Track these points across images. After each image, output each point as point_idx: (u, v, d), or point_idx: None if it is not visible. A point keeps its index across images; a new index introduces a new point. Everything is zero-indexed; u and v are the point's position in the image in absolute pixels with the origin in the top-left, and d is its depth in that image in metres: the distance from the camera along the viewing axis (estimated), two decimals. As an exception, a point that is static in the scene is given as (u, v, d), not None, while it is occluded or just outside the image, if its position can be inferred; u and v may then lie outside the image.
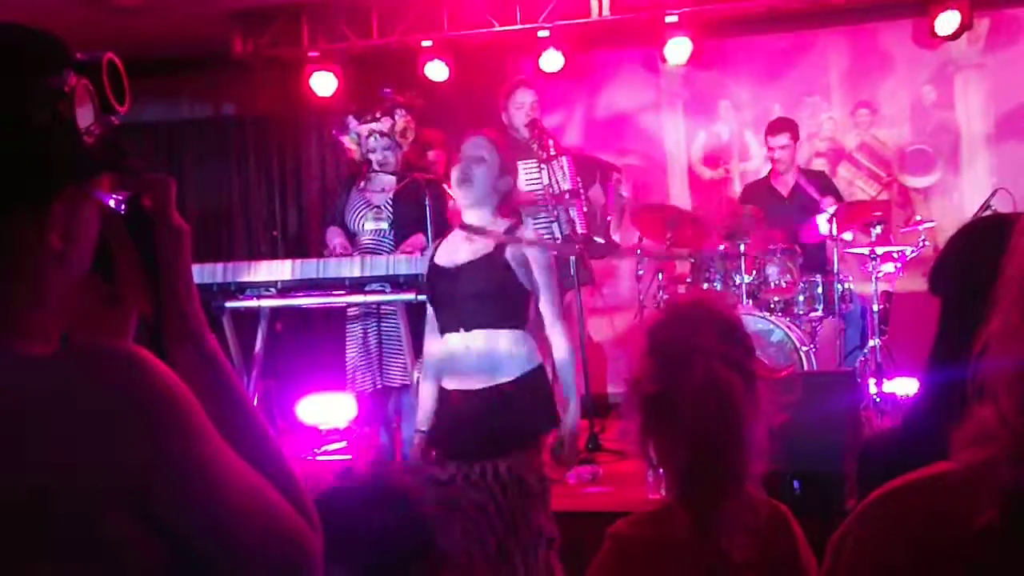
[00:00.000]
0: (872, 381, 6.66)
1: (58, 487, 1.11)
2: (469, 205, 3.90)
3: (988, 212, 6.98)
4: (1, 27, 1.25)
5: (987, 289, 1.05)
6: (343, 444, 7.09)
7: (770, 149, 7.39)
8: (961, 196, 8.29)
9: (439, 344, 3.91)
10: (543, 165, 6.38)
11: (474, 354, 3.77)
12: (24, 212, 1.20)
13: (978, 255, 1.59)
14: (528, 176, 6.40)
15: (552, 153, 6.41)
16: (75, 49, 1.30)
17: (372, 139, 6.38)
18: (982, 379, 1.01)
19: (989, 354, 1.01)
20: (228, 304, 5.99)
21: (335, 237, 6.43)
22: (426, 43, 8.37)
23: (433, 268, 3.98)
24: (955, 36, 7.86)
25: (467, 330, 3.79)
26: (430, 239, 5.93)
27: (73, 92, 1.22)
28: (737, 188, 8.31)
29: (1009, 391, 0.99)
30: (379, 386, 6.39)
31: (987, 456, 1.00)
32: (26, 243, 1.20)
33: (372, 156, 6.39)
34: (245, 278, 6.02)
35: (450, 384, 3.86)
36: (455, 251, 3.93)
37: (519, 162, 6.19)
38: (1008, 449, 0.98)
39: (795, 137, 7.38)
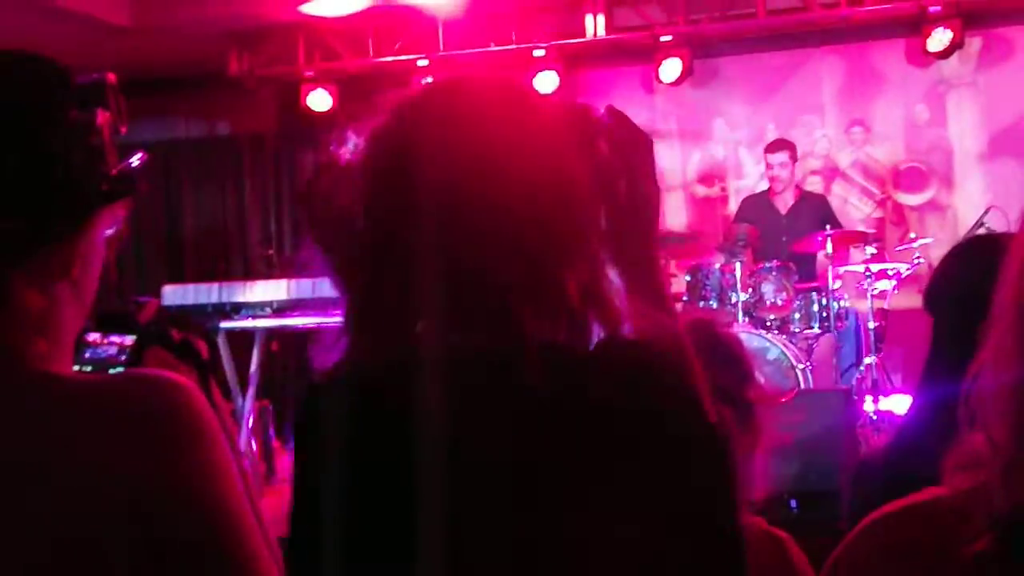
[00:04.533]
0: (868, 398, 6.66)
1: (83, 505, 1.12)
2: None
3: (982, 230, 7.02)
4: (26, 59, 1.26)
5: (979, 310, 1.05)
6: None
7: (769, 167, 7.43)
8: (955, 213, 8.31)
9: None
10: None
11: None
12: (55, 244, 1.21)
13: (971, 275, 1.59)
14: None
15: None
16: (74, 71, 1.31)
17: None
18: (975, 404, 1.01)
19: (982, 379, 1.01)
20: (223, 325, 5.99)
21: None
22: (422, 62, 8.41)
23: None
24: (947, 55, 7.90)
25: None
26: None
27: (103, 126, 1.24)
28: (733, 206, 8.33)
29: (1001, 418, 0.99)
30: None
31: (979, 482, 1.00)
32: (53, 274, 1.22)
33: None
34: (240, 298, 6.02)
35: None
36: None
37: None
38: (1000, 476, 0.98)
39: (794, 157, 7.43)
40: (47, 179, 1.18)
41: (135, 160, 1.30)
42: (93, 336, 1.58)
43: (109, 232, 1.33)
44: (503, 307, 1.17)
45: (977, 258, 1.96)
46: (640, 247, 1.31)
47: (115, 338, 1.60)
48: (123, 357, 1.57)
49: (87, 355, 1.55)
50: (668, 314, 1.30)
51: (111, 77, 1.34)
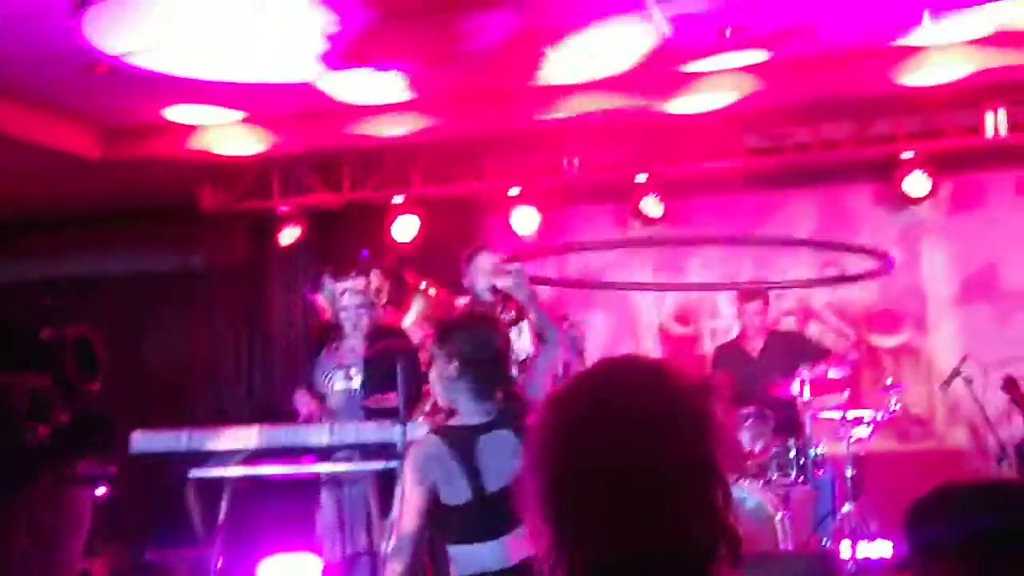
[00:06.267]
0: (847, 544, 6.59)
1: None
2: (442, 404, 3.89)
3: (958, 379, 7.03)
4: None
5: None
6: (307, 612, 6.87)
7: (742, 313, 7.44)
8: (929, 357, 8.33)
9: None
10: (509, 329, 6.34)
11: None
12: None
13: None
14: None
15: (514, 317, 6.38)
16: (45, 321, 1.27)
17: (346, 296, 6.35)
18: None
19: None
20: (192, 474, 5.86)
21: (304, 405, 6.34)
22: (397, 199, 8.44)
23: None
24: (922, 199, 8.00)
25: None
26: (400, 407, 5.86)
27: (16, 389, 1.19)
28: (707, 345, 8.32)
29: None
30: (348, 554, 6.26)
31: None
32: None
33: (344, 315, 6.34)
34: (209, 446, 5.89)
35: None
36: None
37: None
38: None
39: (767, 303, 7.44)
40: None
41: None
42: None
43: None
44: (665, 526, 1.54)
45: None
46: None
47: None
48: None
49: None
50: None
51: (79, 332, 1.30)
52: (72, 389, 1.06)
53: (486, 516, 3.61)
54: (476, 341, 3.75)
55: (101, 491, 1.16)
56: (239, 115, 7.79)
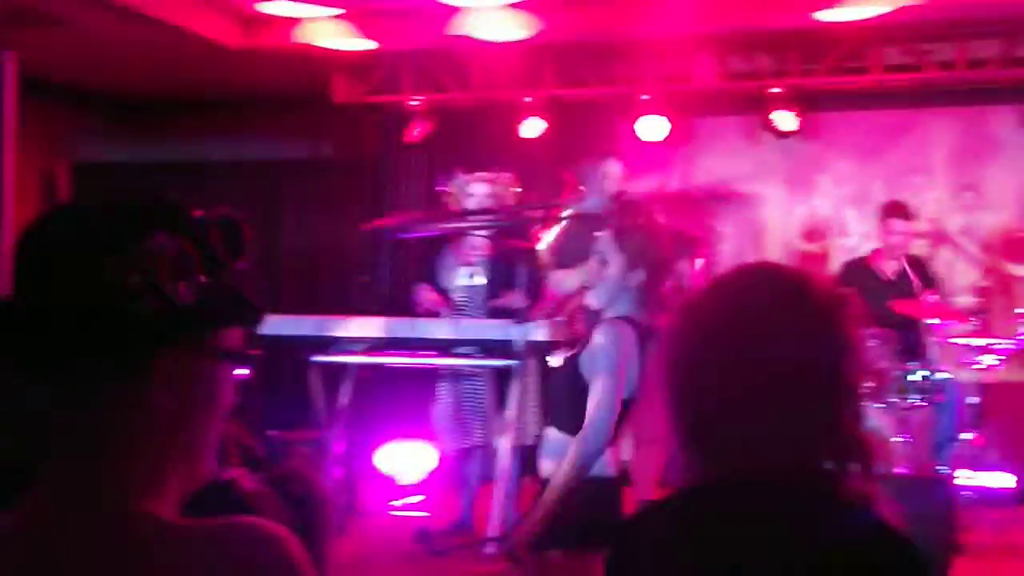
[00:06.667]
0: (966, 473, 6.49)
1: None
2: (599, 306, 3.77)
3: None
4: (119, 201, 1.27)
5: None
6: (420, 498, 7.05)
7: (889, 232, 7.14)
8: (1065, 289, 8.08)
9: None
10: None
11: None
12: (126, 376, 1.21)
13: None
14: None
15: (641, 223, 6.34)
16: (190, 201, 1.31)
17: (475, 189, 6.39)
18: None
19: None
20: (316, 358, 6.02)
21: (426, 298, 6.44)
22: (526, 99, 8.42)
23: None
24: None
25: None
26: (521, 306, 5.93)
27: (160, 253, 1.21)
28: (834, 264, 8.17)
29: None
30: (463, 446, 6.40)
31: None
32: (133, 406, 1.22)
33: (471, 210, 6.39)
34: (335, 333, 6.03)
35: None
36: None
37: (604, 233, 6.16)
38: None
39: (913, 224, 7.23)
40: (100, 310, 1.18)
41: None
42: None
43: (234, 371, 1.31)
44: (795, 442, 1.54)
45: None
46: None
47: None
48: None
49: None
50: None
51: (224, 213, 1.34)
52: (220, 265, 1.10)
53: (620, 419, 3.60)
54: (655, 248, 3.72)
55: (244, 371, 1.21)
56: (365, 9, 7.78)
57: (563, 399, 3.71)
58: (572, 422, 3.55)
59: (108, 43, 7.88)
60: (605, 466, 3.56)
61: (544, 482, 3.63)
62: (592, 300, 3.77)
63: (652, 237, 3.75)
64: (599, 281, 3.71)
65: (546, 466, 3.68)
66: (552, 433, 3.73)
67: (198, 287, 1.24)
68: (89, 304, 1.18)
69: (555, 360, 3.97)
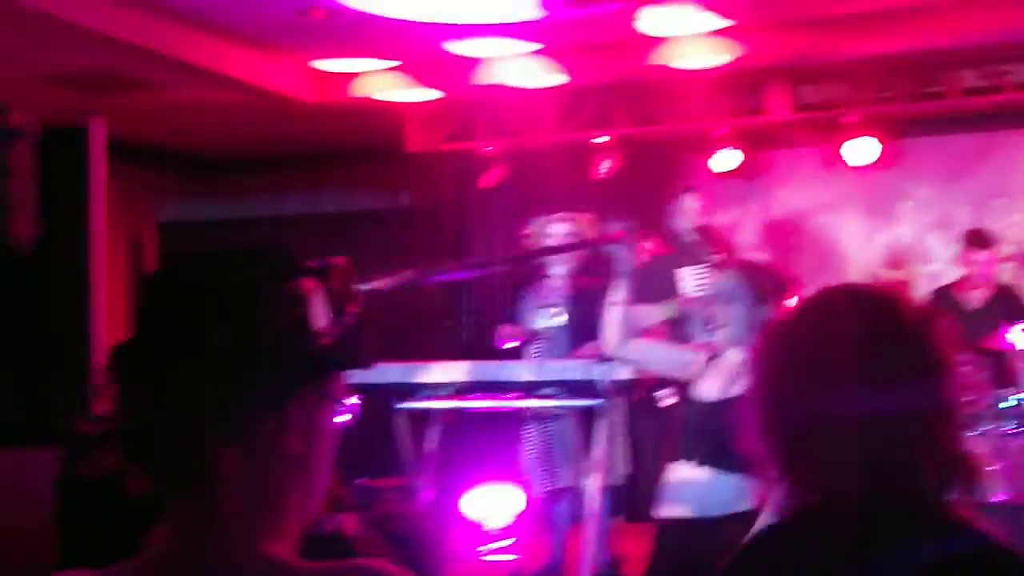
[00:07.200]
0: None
1: None
2: (729, 345, 3.83)
3: None
4: (241, 249, 1.30)
5: None
6: (511, 541, 7.02)
7: (969, 263, 7.07)
8: None
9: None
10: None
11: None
12: (265, 417, 1.22)
13: None
14: (698, 282, 6.31)
15: (723, 259, 6.32)
16: (300, 251, 1.34)
17: (555, 230, 6.40)
18: None
19: None
20: (401, 405, 6.04)
21: (507, 328, 6.52)
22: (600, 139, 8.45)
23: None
24: None
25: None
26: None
27: (306, 296, 1.25)
28: (917, 292, 8.04)
29: None
30: (551, 488, 6.39)
31: None
32: (266, 446, 1.22)
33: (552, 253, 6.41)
34: (419, 379, 6.06)
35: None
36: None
37: (686, 268, 6.15)
38: None
39: (997, 252, 7.11)
40: (250, 352, 1.19)
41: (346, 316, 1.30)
42: None
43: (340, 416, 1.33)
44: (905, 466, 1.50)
45: None
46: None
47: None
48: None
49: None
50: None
51: (340, 260, 1.36)
52: (341, 311, 1.13)
53: None
54: (777, 283, 3.80)
55: (346, 418, 1.22)
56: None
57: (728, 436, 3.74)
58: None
59: (188, 104, 8.07)
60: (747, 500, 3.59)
61: (673, 524, 3.65)
62: (724, 337, 3.80)
63: (775, 273, 3.83)
64: (726, 319, 3.75)
65: (679, 509, 3.70)
66: (703, 474, 3.73)
67: (332, 331, 1.27)
68: (248, 346, 1.19)
69: (667, 399, 3.99)
